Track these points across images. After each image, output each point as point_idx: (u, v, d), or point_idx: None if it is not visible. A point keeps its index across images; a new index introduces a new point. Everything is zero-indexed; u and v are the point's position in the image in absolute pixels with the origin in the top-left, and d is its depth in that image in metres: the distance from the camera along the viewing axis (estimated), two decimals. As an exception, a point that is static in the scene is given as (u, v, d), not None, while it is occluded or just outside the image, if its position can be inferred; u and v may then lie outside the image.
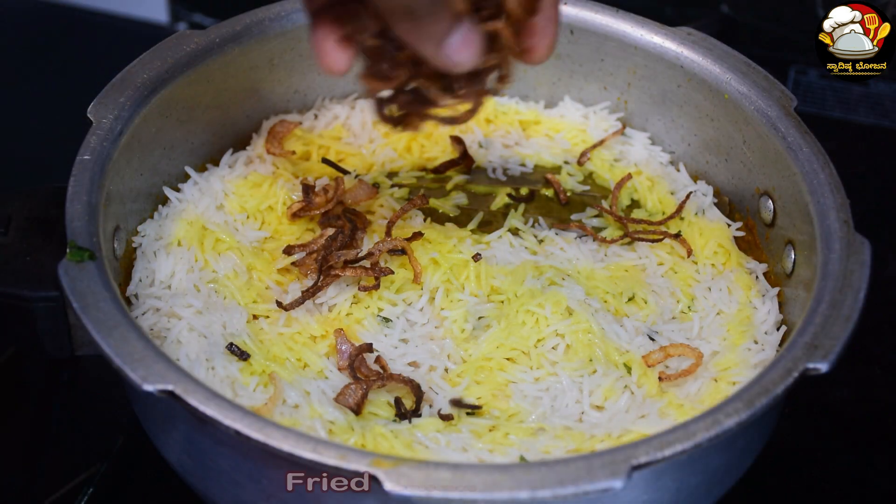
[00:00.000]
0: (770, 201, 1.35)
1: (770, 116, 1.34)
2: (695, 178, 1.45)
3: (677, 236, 1.37)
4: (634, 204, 1.43)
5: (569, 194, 1.43)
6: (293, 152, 1.43)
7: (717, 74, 1.39)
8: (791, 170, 1.30)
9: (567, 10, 1.46)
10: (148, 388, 1.05)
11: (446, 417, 1.18)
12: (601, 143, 1.46)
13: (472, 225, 1.38)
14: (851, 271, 1.18)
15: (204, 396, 1.05)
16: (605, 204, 1.42)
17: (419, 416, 1.18)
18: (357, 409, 1.17)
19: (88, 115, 1.26)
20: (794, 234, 1.30)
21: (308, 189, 1.36)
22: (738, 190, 1.41)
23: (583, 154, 1.45)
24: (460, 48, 1.02)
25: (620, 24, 1.45)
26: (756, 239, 1.38)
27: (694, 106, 1.43)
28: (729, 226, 1.39)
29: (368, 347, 1.22)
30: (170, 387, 1.05)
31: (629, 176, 1.43)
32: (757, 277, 1.35)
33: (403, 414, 1.18)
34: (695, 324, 1.29)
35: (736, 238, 1.39)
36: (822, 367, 1.10)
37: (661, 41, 1.43)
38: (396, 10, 1.01)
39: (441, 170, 1.44)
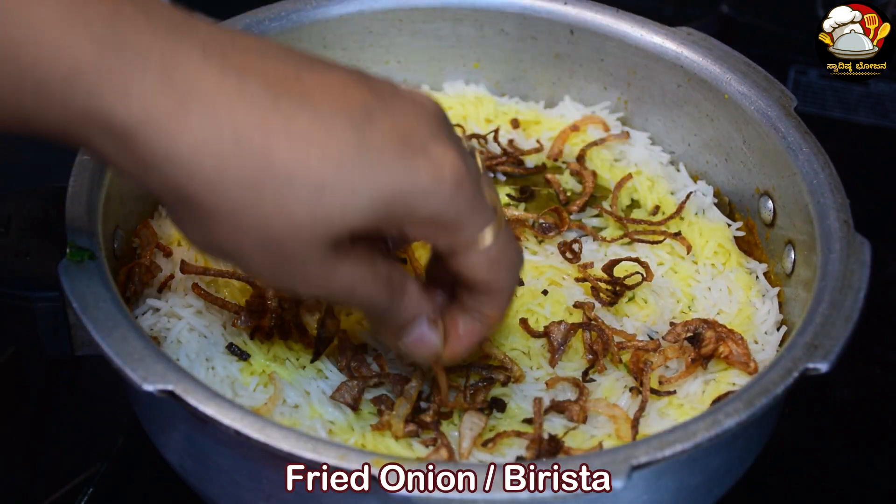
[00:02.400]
0: (770, 201, 1.35)
1: (770, 116, 1.34)
2: (695, 178, 1.45)
3: (677, 235, 1.37)
4: (634, 204, 1.43)
5: (569, 194, 1.43)
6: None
7: (717, 74, 1.39)
8: (791, 170, 1.30)
9: (567, 10, 1.46)
10: (148, 388, 1.05)
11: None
12: (602, 142, 1.46)
13: (472, 225, 1.38)
14: (851, 271, 1.17)
15: (204, 396, 1.04)
16: (605, 204, 1.41)
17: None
18: (354, 405, 1.16)
19: (88, 115, 1.26)
20: (794, 234, 1.30)
21: (308, 189, 1.35)
22: (738, 190, 1.41)
23: (580, 157, 1.45)
24: (415, 345, 1.09)
25: (620, 24, 1.45)
26: (756, 239, 1.38)
27: (694, 106, 1.43)
28: (729, 226, 1.39)
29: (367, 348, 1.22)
30: (170, 387, 1.05)
31: (629, 176, 1.43)
32: (757, 277, 1.34)
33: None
34: (695, 324, 1.29)
35: (736, 238, 1.39)
36: (822, 367, 1.10)
37: (661, 41, 1.43)
38: (361, 307, 1.10)
39: (441, 170, 1.44)
